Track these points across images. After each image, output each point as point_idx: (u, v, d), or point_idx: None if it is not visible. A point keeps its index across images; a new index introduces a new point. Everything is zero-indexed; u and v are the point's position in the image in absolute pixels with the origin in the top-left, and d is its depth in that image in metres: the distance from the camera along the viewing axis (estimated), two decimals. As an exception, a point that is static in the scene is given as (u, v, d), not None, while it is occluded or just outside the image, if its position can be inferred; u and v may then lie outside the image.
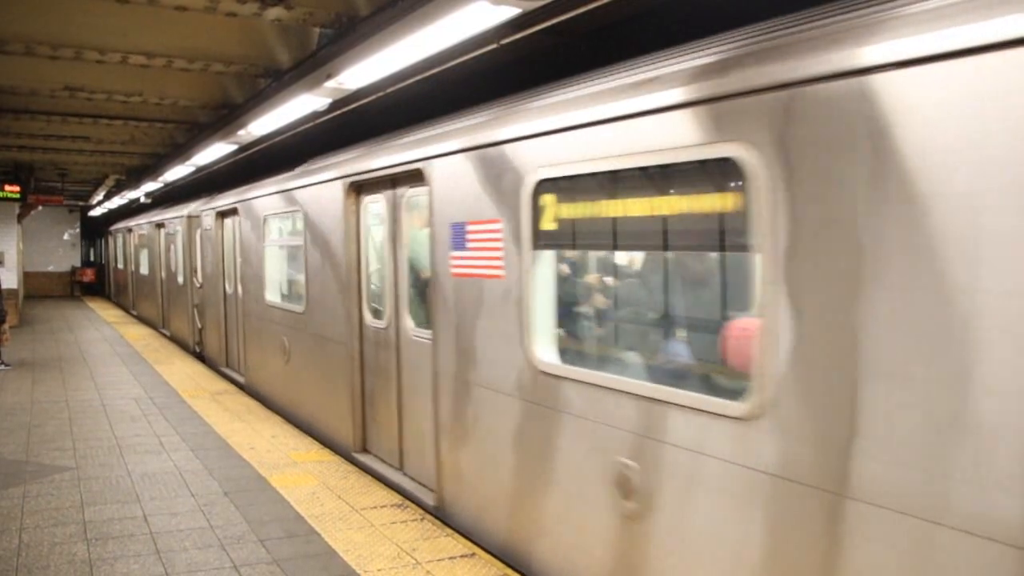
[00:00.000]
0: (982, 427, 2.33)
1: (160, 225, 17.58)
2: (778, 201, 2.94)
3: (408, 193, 6.20)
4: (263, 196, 9.66)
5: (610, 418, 3.88)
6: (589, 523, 4.07)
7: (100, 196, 25.41)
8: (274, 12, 5.52)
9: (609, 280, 4.96)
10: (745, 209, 3.10)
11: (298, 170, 8.69)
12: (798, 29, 3.06)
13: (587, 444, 4.07)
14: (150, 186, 16.88)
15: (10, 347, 13.46)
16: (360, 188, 6.95)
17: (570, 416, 4.20)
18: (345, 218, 7.08)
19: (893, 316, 2.56)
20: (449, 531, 5.47)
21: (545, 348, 4.44)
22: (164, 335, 17.29)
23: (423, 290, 6.06)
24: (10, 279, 18.56)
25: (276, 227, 9.72)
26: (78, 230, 32.44)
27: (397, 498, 6.20)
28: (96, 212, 30.20)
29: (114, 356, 14.33)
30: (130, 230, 22.78)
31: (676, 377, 4.15)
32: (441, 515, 5.66)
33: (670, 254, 4.25)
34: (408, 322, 6.29)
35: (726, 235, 3.34)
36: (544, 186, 4.32)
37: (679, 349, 4.42)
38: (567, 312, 4.81)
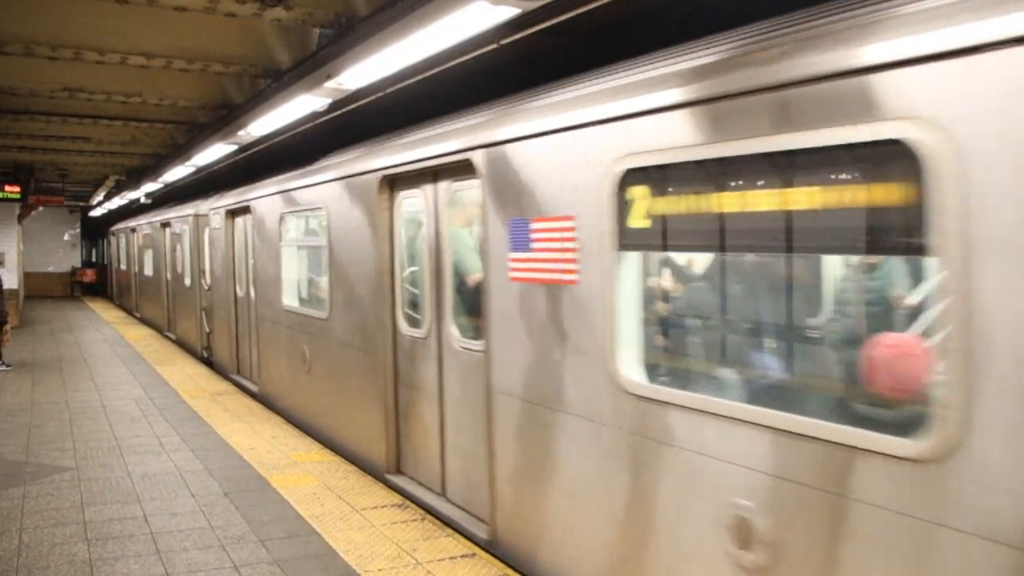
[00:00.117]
0: None
1: (166, 224, 17.08)
2: (970, 193, 2.39)
3: (453, 187, 5.61)
4: (280, 193, 9.05)
5: (723, 452, 3.26)
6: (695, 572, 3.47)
7: (100, 197, 25.43)
8: (273, 12, 5.52)
9: (713, 286, 4.32)
10: (919, 202, 2.54)
11: (318, 164, 8.15)
12: None
13: (691, 482, 3.43)
14: (150, 187, 16.88)
15: (10, 347, 13.47)
16: (394, 182, 6.40)
17: (667, 447, 3.55)
18: (377, 216, 6.48)
19: None
20: (449, 531, 5.47)
21: (632, 365, 3.83)
22: (170, 339, 16.97)
23: (470, 296, 5.56)
24: (10, 280, 18.56)
25: (294, 226, 9.19)
26: (78, 231, 32.49)
27: (397, 498, 6.19)
28: (96, 213, 30.22)
29: (114, 357, 14.33)
30: (133, 230, 22.42)
31: (797, 402, 3.56)
32: (495, 551, 5.04)
33: (791, 257, 3.61)
34: (453, 331, 5.65)
35: (883, 234, 2.77)
36: (633, 177, 3.71)
37: (806, 367, 3.81)
38: (663, 323, 4.26)
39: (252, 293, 10.62)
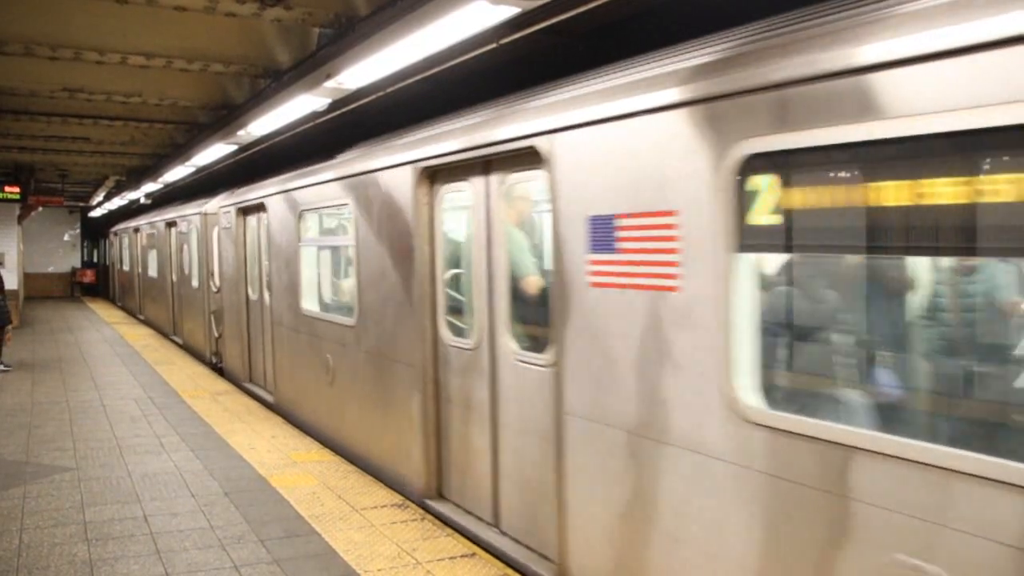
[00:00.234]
0: None
1: (171, 224, 16.45)
2: None
3: (510, 179, 4.99)
4: (298, 189, 8.35)
5: (878, 496, 2.69)
6: None
7: (100, 197, 25.44)
8: (273, 12, 5.53)
9: (860, 297, 3.55)
10: None
11: (344, 156, 7.52)
12: None
13: (833, 529, 2.84)
14: (150, 187, 16.88)
15: (10, 348, 13.47)
16: (435, 175, 5.79)
17: (807, 489, 2.93)
18: (415, 212, 5.84)
19: None
20: (449, 531, 5.47)
21: (756, 391, 3.21)
22: (176, 343, 16.41)
23: (529, 303, 5.03)
24: (10, 280, 18.57)
25: (315, 224, 8.56)
26: (78, 231, 32.55)
27: (397, 498, 6.19)
28: (96, 213, 30.24)
29: (114, 357, 14.34)
30: (137, 230, 21.95)
31: (982, 437, 2.90)
32: None
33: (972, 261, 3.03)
34: (509, 343, 5.05)
35: None
36: (756, 164, 3.10)
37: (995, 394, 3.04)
38: (803, 340, 3.54)
39: (266, 296, 9.92)
